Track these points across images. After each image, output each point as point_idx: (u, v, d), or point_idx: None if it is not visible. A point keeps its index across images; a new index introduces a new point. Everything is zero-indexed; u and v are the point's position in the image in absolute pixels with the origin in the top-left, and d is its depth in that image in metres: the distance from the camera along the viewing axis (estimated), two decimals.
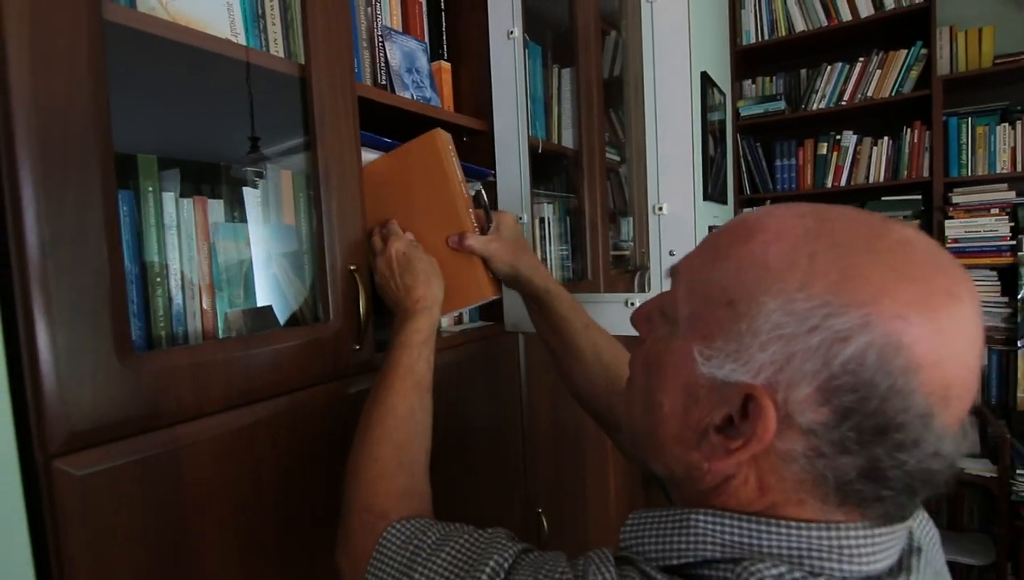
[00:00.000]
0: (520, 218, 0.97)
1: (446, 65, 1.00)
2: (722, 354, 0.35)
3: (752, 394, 0.33)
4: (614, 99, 1.67)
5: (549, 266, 1.27)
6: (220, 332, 0.62)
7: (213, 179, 0.64)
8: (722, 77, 2.48)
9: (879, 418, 0.31)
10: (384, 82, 0.88)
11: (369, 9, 0.87)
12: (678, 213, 0.82)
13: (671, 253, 0.82)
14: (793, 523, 0.35)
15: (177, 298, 0.58)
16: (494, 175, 0.99)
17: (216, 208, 0.62)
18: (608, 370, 0.70)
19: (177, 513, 0.50)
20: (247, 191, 0.66)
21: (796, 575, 0.33)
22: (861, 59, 2.33)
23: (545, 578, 0.38)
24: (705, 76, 2.17)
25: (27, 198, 0.43)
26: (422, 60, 0.95)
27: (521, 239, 0.79)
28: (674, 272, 0.41)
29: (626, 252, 1.69)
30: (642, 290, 1.52)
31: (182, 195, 0.59)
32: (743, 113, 2.61)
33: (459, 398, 0.88)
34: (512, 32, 0.94)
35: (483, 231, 0.75)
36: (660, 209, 0.82)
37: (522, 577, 0.39)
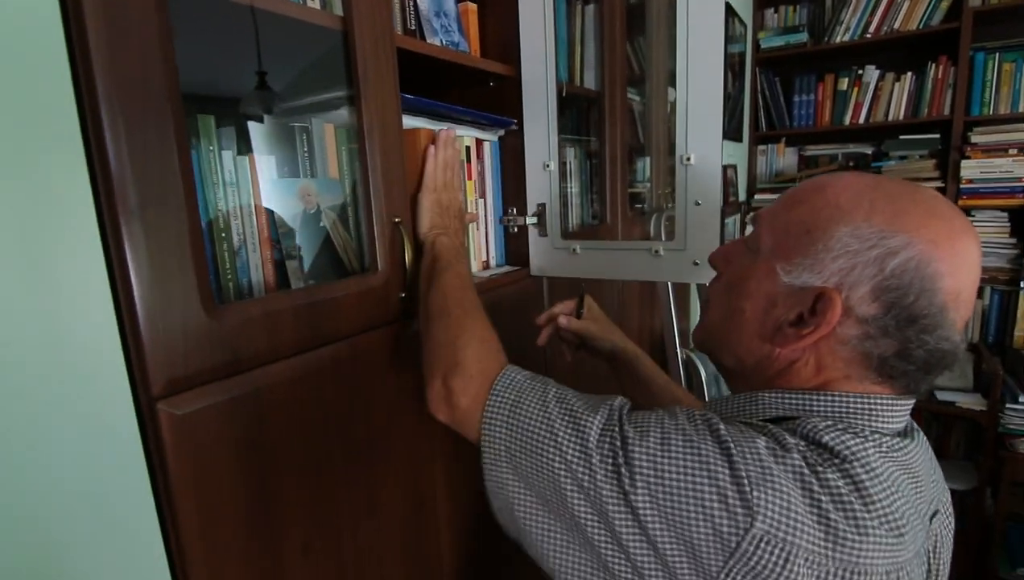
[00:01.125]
0: (547, 165, 0.99)
1: (472, 6, 0.99)
2: (800, 267, 0.48)
3: (823, 292, 0.46)
4: (634, 30, 1.62)
5: (571, 211, 1.29)
6: (280, 282, 0.66)
7: (260, 134, 0.66)
8: (744, 5, 2.39)
9: (913, 309, 0.45)
10: (413, 27, 0.88)
11: None
12: (705, 164, 0.84)
13: (697, 203, 0.85)
14: (838, 393, 0.48)
15: (240, 252, 0.62)
16: (517, 123, 1.00)
17: (268, 164, 0.65)
18: None
19: (261, 443, 0.57)
20: (295, 144, 0.68)
21: (839, 426, 0.45)
22: None
23: (680, 415, 0.47)
24: (727, 7, 2.08)
25: (115, 165, 0.46)
26: (450, 2, 0.93)
27: (606, 317, 0.92)
28: (757, 218, 0.54)
29: (640, 190, 1.71)
30: (659, 237, 1.55)
31: (239, 153, 0.61)
32: (763, 45, 2.53)
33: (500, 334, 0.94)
34: None
35: (577, 316, 0.89)
36: (688, 160, 0.84)
37: (643, 414, 0.49)
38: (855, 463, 0.42)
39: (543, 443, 0.49)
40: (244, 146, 0.62)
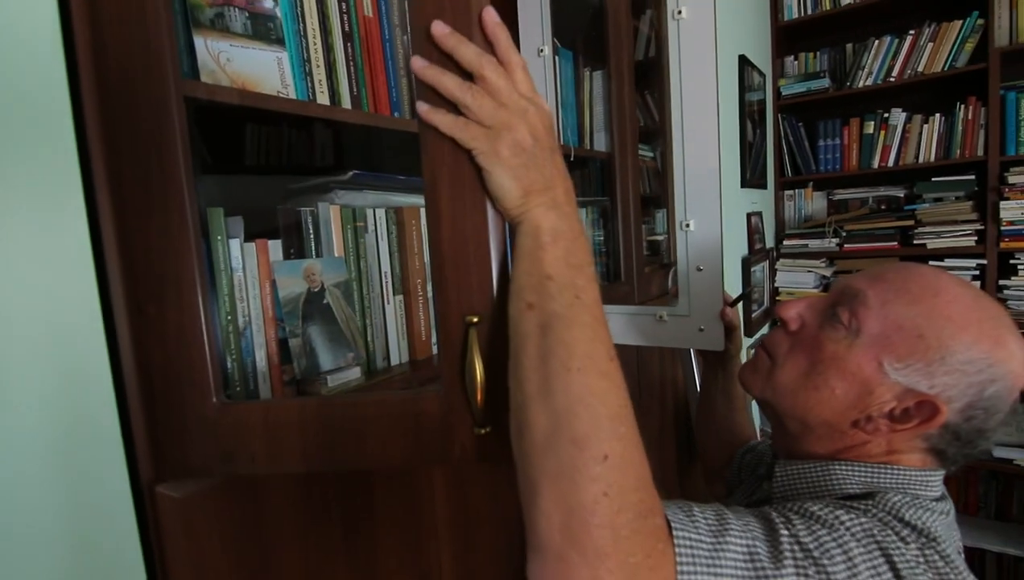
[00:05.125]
0: None
1: None
2: (910, 369, 0.53)
3: (931, 401, 0.52)
4: (649, 82, 1.66)
5: None
6: (284, 358, 0.69)
7: (272, 221, 0.70)
8: (762, 56, 2.41)
9: (986, 424, 0.53)
10: None
11: (405, 36, 0.91)
12: (705, 229, 0.84)
13: (699, 269, 0.85)
14: (901, 467, 0.55)
15: (246, 332, 0.65)
16: None
17: (275, 248, 0.69)
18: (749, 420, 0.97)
19: (258, 522, 0.58)
20: (302, 226, 0.72)
21: (906, 499, 0.51)
22: (912, 32, 2.23)
23: (846, 533, 0.46)
24: (743, 59, 2.11)
25: (112, 264, 0.50)
26: None
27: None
28: (856, 295, 0.57)
29: (660, 238, 1.70)
30: (675, 295, 1.54)
31: (246, 239, 0.65)
32: (784, 92, 2.53)
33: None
34: (542, 50, 0.97)
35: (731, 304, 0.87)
36: (687, 225, 0.85)
37: (812, 531, 0.47)
38: (940, 542, 0.48)
39: None
40: (250, 233, 0.66)
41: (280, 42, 0.68)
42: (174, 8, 0.61)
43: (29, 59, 0.45)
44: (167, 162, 0.49)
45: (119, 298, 0.50)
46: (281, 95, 0.67)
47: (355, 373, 0.73)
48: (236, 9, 0.65)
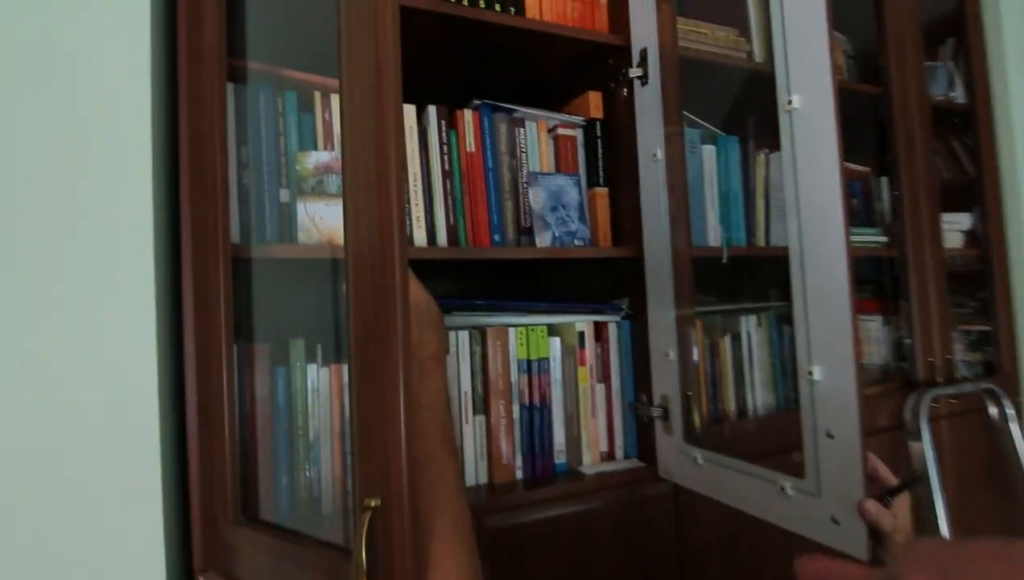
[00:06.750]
0: (668, 354, 0.87)
1: (601, 191, 0.99)
2: None
3: None
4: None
5: (753, 392, 1.07)
6: (344, 472, 0.76)
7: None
8: None
9: None
10: (528, 224, 0.94)
11: (513, 161, 0.94)
12: (838, 380, 0.61)
13: (830, 435, 0.62)
14: None
15: (315, 446, 0.75)
16: (625, 306, 0.93)
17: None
18: None
19: None
20: None
21: None
22: None
23: None
24: None
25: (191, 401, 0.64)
26: (571, 194, 0.97)
27: (911, 532, 0.62)
28: None
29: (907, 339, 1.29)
30: (922, 424, 1.12)
31: (322, 364, 0.76)
32: None
33: (597, 557, 0.83)
34: (656, 155, 0.87)
35: (883, 500, 0.60)
36: (811, 374, 0.63)
37: None
38: None
39: None
40: (326, 359, 0.77)
41: None
42: (292, 185, 0.77)
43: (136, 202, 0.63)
44: (211, 312, 0.62)
45: (193, 417, 0.64)
46: None
47: None
48: (334, 175, 0.78)
